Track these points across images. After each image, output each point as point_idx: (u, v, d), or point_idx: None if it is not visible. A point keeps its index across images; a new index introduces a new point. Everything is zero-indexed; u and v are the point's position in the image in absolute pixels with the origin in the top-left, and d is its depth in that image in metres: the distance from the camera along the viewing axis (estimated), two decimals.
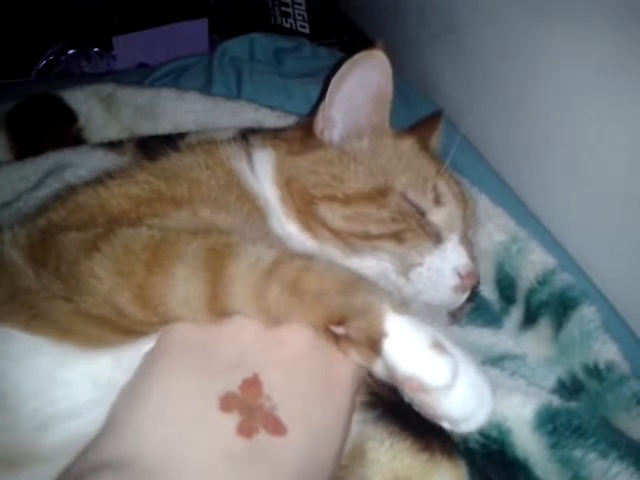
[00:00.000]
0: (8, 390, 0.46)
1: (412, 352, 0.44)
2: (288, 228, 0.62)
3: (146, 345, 0.48)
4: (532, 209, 0.83)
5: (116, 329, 0.47)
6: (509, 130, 0.91)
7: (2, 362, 0.47)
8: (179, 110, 0.90)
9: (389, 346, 0.44)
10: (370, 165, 0.64)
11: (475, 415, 0.45)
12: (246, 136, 0.74)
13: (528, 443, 0.52)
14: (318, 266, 0.48)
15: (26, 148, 0.86)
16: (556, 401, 0.54)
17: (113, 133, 0.89)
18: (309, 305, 0.46)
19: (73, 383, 0.47)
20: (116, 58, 1.66)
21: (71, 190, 0.60)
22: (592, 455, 0.50)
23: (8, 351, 0.47)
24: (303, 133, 0.68)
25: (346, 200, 0.62)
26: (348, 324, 0.46)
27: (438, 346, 0.44)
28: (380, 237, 0.61)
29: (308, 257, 0.49)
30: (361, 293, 0.46)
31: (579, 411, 0.53)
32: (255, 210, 0.60)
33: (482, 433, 0.55)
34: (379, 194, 0.62)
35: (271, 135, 0.71)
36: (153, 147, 0.77)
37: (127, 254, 0.46)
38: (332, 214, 0.62)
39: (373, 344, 0.45)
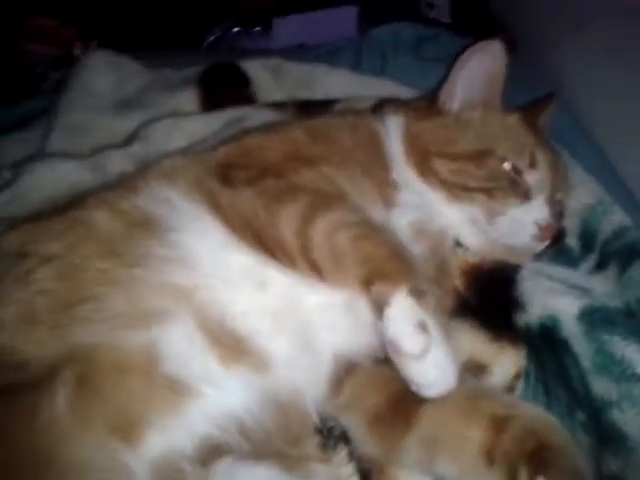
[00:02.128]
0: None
1: (399, 323, 0.59)
2: (407, 177, 0.80)
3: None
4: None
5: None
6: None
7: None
8: (332, 83, 1.11)
9: (387, 313, 0.60)
10: (478, 132, 0.80)
11: (436, 385, 0.59)
12: (382, 104, 0.93)
13: (571, 328, 0.70)
14: (387, 237, 0.65)
15: (211, 103, 1.11)
16: (598, 304, 0.71)
17: (278, 97, 1.11)
18: (362, 259, 0.62)
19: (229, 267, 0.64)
20: (273, 37, 1.89)
21: (245, 132, 0.83)
22: (616, 337, 0.67)
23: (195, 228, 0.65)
24: (429, 103, 0.85)
25: (454, 157, 0.79)
26: (375, 284, 0.61)
27: (423, 327, 0.59)
28: (476, 190, 0.77)
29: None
30: (398, 268, 0.62)
31: (614, 312, 0.71)
32: (382, 164, 0.78)
33: (542, 317, 0.73)
34: (481, 156, 0.78)
35: (403, 104, 0.89)
36: (310, 109, 0.99)
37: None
38: (442, 167, 0.79)
39: (380, 307, 0.60)
